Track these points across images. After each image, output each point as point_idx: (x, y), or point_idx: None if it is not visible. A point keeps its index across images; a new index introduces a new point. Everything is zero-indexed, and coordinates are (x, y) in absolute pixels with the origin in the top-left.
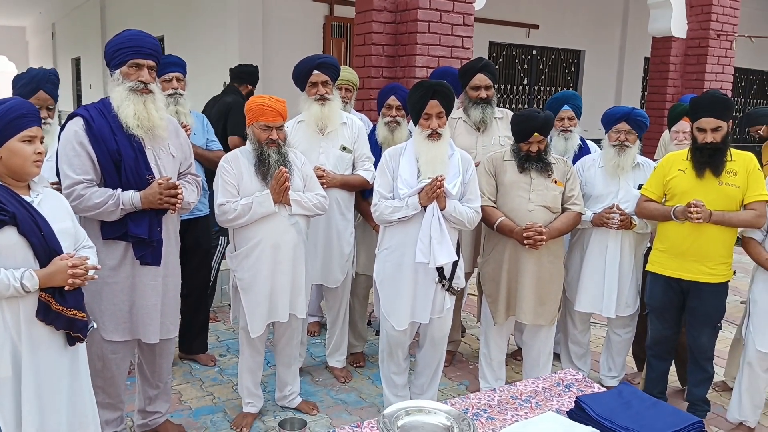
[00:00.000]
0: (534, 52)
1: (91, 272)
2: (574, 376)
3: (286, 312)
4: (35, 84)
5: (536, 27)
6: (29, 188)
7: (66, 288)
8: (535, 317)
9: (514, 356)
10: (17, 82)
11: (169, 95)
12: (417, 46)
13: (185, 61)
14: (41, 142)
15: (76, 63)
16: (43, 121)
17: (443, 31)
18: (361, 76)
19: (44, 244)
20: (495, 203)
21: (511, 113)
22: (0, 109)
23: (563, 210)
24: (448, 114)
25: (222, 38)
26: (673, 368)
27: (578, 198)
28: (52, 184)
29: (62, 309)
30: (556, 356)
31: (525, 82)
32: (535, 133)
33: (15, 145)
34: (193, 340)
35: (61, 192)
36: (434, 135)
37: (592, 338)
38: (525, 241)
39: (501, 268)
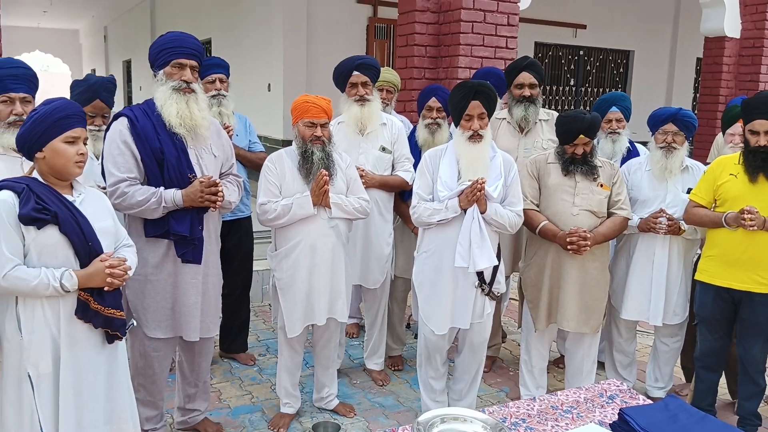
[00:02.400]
0: (581, 52)
1: (129, 272)
2: (618, 386)
3: (323, 315)
4: (92, 93)
5: (583, 27)
6: (72, 188)
7: (105, 288)
8: (578, 324)
9: (557, 364)
10: (75, 88)
11: (212, 96)
12: (460, 46)
13: (230, 62)
14: (85, 144)
15: (127, 65)
16: (97, 128)
17: (487, 32)
18: (403, 77)
19: (85, 243)
20: (538, 207)
21: (557, 115)
22: (46, 110)
23: (609, 215)
24: (489, 115)
25: (266, 40)
26: (723, 380)
27: (625, 202)
28: (103, 188)
29: (100, 308)
30: (600, 365)
31: (572, 83)
32: (581, 135)
33: (58, 145)
34: (233, 338)
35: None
36: (475, 136)
37: (638, 347)
38: (568, 246)
39: (543, 273)
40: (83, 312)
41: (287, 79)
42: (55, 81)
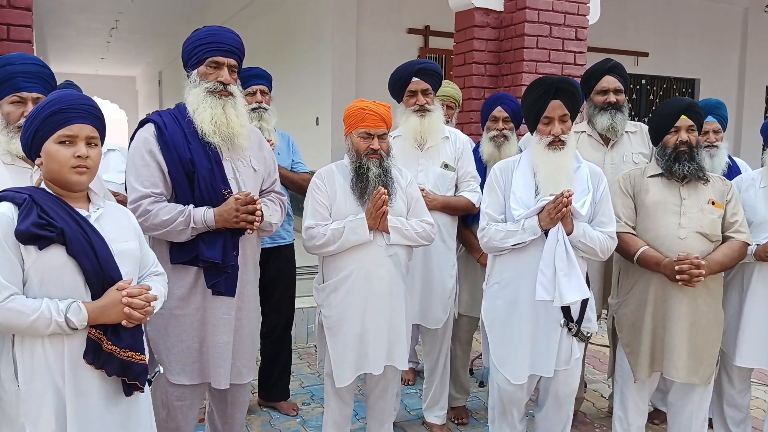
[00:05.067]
0: (643, 81)
1: (155, 303)
2: None
3: (380, 362)
4: None
5: (645, 55)
6: (89, 200)
7: (123, 324)
8: (689, 374)
9: (651, 420)
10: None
11: (253, 110)
12: (524, 62)
13: (281, 98)
14: (93, 145)
15: None
16: None
17: (553, 47)
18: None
19: (98, 269)
20: (634, 230)
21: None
22: (38, 105)
23: (724, 239)
24: (573, 118)
25: (316, 74)
26: None
27: (743, 224)
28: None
29: (115, 349)
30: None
31: (633, 113)
32: (683, 116)
33: (50, 147)
34: (273, 384)
35: None
36: (556, 143)
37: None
38: (677, 277)
39: (644, 310)
40: (94, 355)
41: (336, 112)
42: (113, 126)
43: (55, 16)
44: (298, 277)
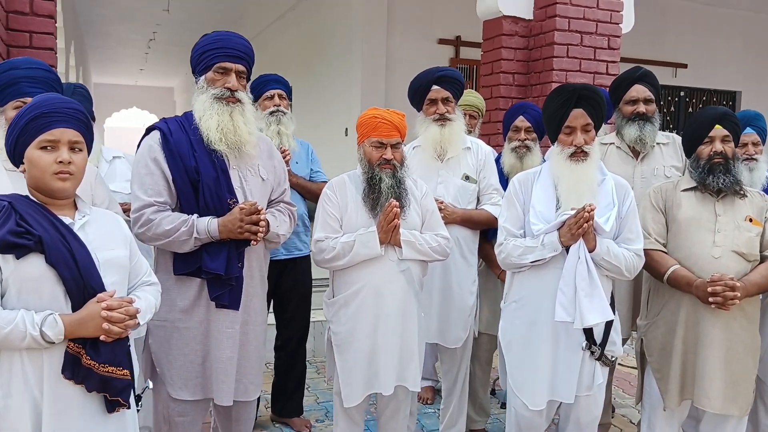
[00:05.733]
0: (682, 93)
1: (141, 316)
2: None
3: (390, 382)
4: None
5: (684, 66)
6: (75, 208)
7: (101, 338)
8: (725, 404)
9: None
10: None
11: (271, 113)
12: (553, 72)
13: (311, 110)
14: (77, 150)
15: None
16: None
17: (584, 56)
18: (488, 108)
19: (78, 279)
20: (665, 247)
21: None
22: (20, 110)
23: (762, 258)
24: (597, 127)
25: (346, 85)
26: None
27: None
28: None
29: (94, 364)
30: None
31: (671, 126)
32: (717, 125)
33: (32, 153)
34: (286, 399)
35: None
36: (579, 154)
37: None
38: (710, 299)
39: (674, 334)
40: (72, 369)
41: None
42: None
43: (94, 27)
44: (315, 289)
